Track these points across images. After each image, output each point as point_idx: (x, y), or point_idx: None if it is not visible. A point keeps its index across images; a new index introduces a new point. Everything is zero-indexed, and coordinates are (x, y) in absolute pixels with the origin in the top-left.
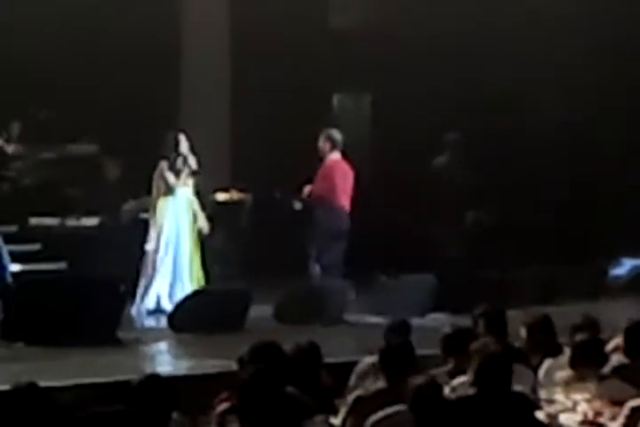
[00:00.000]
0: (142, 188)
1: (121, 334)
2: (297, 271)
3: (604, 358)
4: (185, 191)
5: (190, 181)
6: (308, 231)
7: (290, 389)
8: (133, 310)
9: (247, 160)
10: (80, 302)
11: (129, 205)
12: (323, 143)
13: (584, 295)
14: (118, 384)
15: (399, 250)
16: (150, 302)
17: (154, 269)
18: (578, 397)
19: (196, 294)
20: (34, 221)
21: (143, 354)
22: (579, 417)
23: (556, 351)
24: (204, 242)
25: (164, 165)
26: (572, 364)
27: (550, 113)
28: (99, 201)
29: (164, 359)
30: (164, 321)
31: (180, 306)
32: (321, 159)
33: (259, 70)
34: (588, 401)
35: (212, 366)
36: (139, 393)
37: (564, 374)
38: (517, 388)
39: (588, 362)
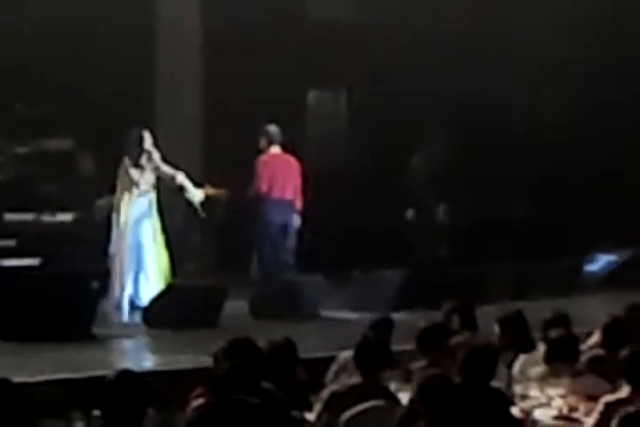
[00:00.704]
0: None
1: (95, 330)
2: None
3: (579, 353)
4: (148, 187)
5: (153, 178)
6: (250, 227)
7: (265, 384)
8: (108, 307)
9: (220, 156)
10: (53, 298)
11: (103, 201)
12: (260, 139)
13: (558, 291)
14: (92, 380)
15: (373, 246)
16: (122, 299)
17: (121, 266)
18: (552, 392)
19: (170, 289)
20: (8, 216)
21: (117, 350)
22: (553, 412)
23: (529, 347)
24: (168, 238)
25: (127, 161)
26: (547, 359)
27: (524, 110)
28: (73, 197)
29: (139, 355)
30: (137, 318)
31: (154, 302)
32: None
33: (232, 65)
34: (563, 397)
35: (186, 361)
36: (113, 389)
37: (538, 369)
38: (492, 384)
39: (562, 358)
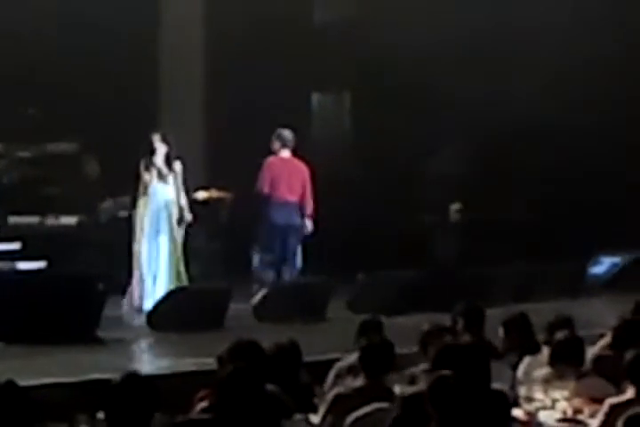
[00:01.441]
0: (121, 187)
1: (100, 333)
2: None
3: (583, 355)
4: (162, 190)
5: (169, 180)
6: (254, 229)
7: (269, 387)
8: (124, 310)
9: (225, 159)
10: (59, 301)
11: (107, 204)
12: (273, 142)
13: (563, 294)
14: (98, 383)
15: (377, 248)
16: (137, 302)
17: (138, 268)
18: (557, 395)
19: (175, 292)
20: (13, 219)
21: (123, 352)
22: (558, 415)
23: (533, 349)
24: (186, 242)
25: (141, 164)
26: (552, 362)
27: (531, 113)
28: (78, 200)
29: (144, 358)
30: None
31: (159, 304)
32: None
33: (236, 68)
34: (568, 399)
35: (191, 364)
36: (119, 392)
37: (542, 371)
38: (496, 386)
39: (567, 360)
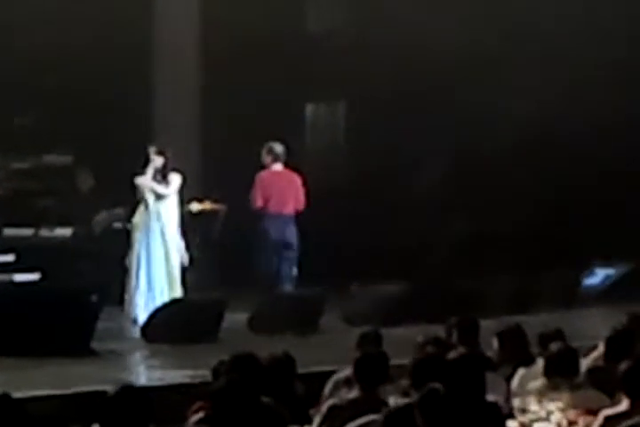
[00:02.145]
0: (115, 198)
1: (94, 345)
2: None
3: (578, 367)
4: (155, 202)
5: (163, 192)
6: (248, 241)
7: (264, 399)
8: (123, 321)
9: (220, 170)
10: (53, 313)
11: (102, 216)
12: (265, 156)
13: (557, 305)
14: (92, 395)
15: (371, 259)
16: (137, 314)
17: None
18: (552, 406)
19: (169, 304)
20: (7, 231)
21: (117, 364)
22: (553, 426)
23: (528, 361)
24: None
25: (136, 177)
26: (547, 373)
27: (524, 123)
28: (72, 212)
29: (138, 370)
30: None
31: (153, 316)
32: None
33: (231, 79)
34: (562, 410)
35: (185, 376)
36: (114, 404)
37: (537, 383)
38: (491, 397)
39: (561, 371)
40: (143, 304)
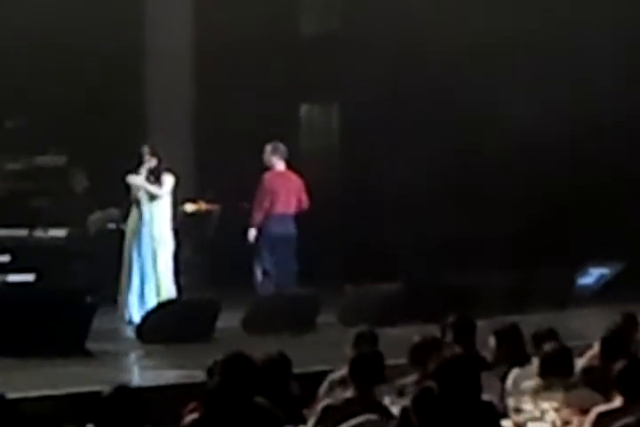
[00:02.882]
0: (110, 199)
1: (89, 345)
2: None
3: (572, 367)
4: (149, 204)
5: (159, 193)
6: (243, 241)
7: (259, 399)
8: (117, 322)
9: (213, 171)
10: (48, 314)
11: (95, 217)
12: (270, 155)
13: (552, 305)
14: (87, 395)
15: (366, 259)
16: (131, 314)
17: (126, 281)
18: (546, 406)
19: (164, 304)
20: (1, 232)
21: (112, 365)
22: (547, 426)
23: (523, 361)
24: (177, 254)
25: (128, 176)
26: (541, 373)
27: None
28: (67, 212)
29: (133, 370)
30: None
31: (148, 317)
32: (266, 169)
33: (224, 80)
34: (557, 410)
35: (180, 376)
36: (109, 405)
37: (531, 383)
38: (485, 397)
39: (556, 371)
40: (137, 305)
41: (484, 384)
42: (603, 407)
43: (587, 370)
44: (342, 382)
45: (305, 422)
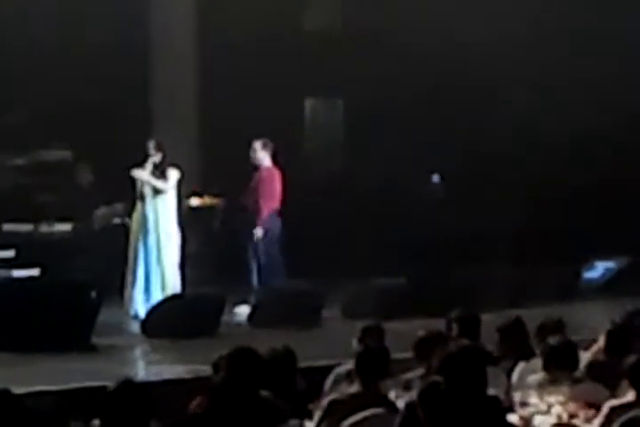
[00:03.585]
0: (115, 194)
1: (95, 340)
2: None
3: (578, 360)
4: (154, 198)
5: (164, 187)
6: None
7: (264, 393)
8: (122, 316)
9: (219, 166)
10: (53, 308)
11: (101, 211)
12: (262, 151)
13: (557, 298)
14: (93, 390)
15: (371, 254)
16: (133, 309)
17: (131, 276)
18: (552, 399)
19: (169, 298)
20: (7, 227)
21: (117, 360)
22: (553, 420)
23: (528, 354)
24: (184, 248)
25: (132, 170)
26: (546, 367)
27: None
28: (72, 207)
29: (139, 365)
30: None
31: (153, 311)
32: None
33: (229, 75)
34: (562, 404)
35: (186, 371)
36: (114, 399)
37: (537, 376)
38: (491, 391)
39: (561, 365)
40: (142, 300)
41: (490, 379)
42: (615, 402)
43: (592, 364)
44: (348, 377)
45: (311, 416)
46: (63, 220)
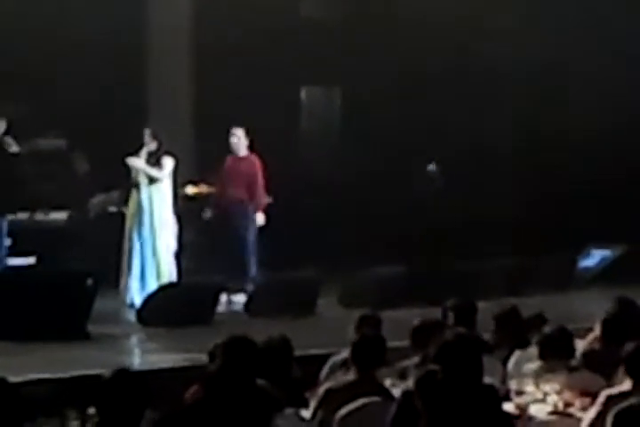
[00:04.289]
0: (110, 182)
1: (90, 329)
2: (267, 264)
3: (573, 349)
4: (149, 186)
5: (159, 176)
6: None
7: (260, 382)
8: (117, 304)
9: (215, 154)
10: (48, 297)
11: (97, 199)
12: (243, 139)
13: (553, 287)
14: (88, 378)
15: (368, 243)
16: (128, 297)
17: (126, 265)
18: (548, 388)
19: (165, 287)
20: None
21: (113, 348)
22: (549, 408)
23: (524, 343)
24: (181, 236)
25: (128, 158)
26: (542, 355)
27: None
28: (67, 195)
29: (134, 353)
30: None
31: (149, 300)
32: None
33: (225, 63)
34: (558, 392)
35: (182, 359)
36: (110, 388)
37: (533, 365)
38: (487, 380)
39: (557, 353)
40: (138, 288)
41: (486, 367)
42: (612, 390)
43: (588, 353)
44: (344, 365)
45: (307, 404)
46: (58, 208)
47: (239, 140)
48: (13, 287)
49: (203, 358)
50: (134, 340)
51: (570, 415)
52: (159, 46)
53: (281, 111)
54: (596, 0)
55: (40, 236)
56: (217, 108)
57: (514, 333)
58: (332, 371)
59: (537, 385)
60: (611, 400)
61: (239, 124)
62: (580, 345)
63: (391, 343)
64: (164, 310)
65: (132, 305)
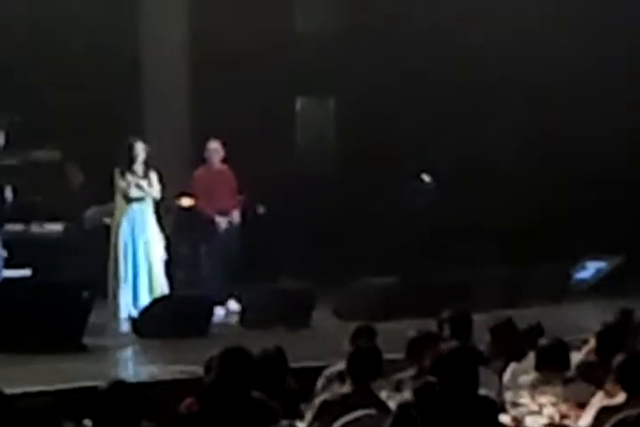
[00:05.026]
0: (105, 194)
1: (86, 341)
2: (262, 276)
3: (569, 361)
4: (139, 197)
5: (146, 186)
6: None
7: (256, 394)
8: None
9: None
10: (44, 309)
11: (92, 211)
12: (220, 151)
13: (548, 299)
14: (84, 390)
15: (362, 254)
16: (122, 310)
17: (116, 277)
18: (543, 400)
19: (160, 299)
20: None
21: (109, 360)
22: (545, 420)
23: (520, 355)
24: (169, 248)
25: (116, 172)
26: (538, 367)
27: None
28: (62, 207)
29: (130, 365)
30: (127, 327)
31: (144, 312)
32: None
33: (220, 74)
34: (554, 404)
35: (177, 371)
36: (106, 400)
37: (529, 377)
38: (482, 391)
39: (552, 365)
40: (131, 300)
41: (481, 379)
42: (606, 402)
43: (583, 364)
44: (339, 377)
45: (302, 416)
46: (54, 220)
47: (217, 153)
48: (9, 299)
49: (198, 369)
50: (130, 352)
51: None
52: (155, 59)
53: (276, 122)
54: (597, 1)
55: (35, 248)
56: (212, 119)
57: (509, 344)
58: (328, 383)
59: (533, 397)
60: (604, 412)
61: (235, 136)
62: (576, 357)
63: (387, 355)
64: (160, 321)
65: (127, 317)
